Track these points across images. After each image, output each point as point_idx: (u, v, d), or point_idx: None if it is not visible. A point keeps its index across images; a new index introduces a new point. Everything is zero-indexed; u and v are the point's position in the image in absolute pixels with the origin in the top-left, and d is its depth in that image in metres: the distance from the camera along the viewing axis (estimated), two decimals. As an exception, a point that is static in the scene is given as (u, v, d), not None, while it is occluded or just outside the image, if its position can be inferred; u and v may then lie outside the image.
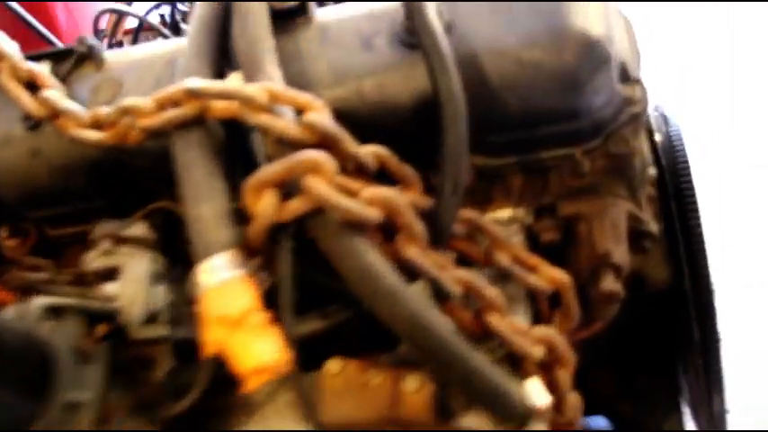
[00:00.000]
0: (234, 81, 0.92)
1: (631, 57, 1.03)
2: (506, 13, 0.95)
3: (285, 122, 0.85)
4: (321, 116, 0.85)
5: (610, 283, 1.00)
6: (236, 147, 0.95)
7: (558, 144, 1.01)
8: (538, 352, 0.89)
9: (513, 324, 0.89)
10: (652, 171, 1.14)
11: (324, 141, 0.85)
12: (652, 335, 1.29)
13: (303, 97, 0.87)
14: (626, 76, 1.01)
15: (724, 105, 4.21)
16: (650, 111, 1.21)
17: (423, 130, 0.92)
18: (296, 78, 0.96)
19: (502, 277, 0.96)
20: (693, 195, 1.19)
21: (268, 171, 0.84)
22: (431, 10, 0.92)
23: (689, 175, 1.19)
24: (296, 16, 1.02)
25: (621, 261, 1.01)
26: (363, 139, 0.88)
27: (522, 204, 1.05)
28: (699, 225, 1.17)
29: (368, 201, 0.83)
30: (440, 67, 0.88)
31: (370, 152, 0.88)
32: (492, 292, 0.87)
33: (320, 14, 1.05)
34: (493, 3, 0.97)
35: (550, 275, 0.97)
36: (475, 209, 1.02)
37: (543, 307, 0.97)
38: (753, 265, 3.13)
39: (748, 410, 2.33)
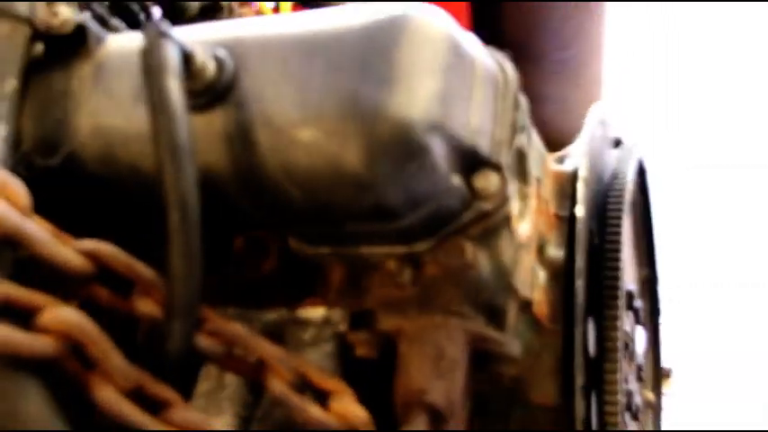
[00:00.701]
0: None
1: (491, 134, 0.77)
2: (302, 73, 0.72)
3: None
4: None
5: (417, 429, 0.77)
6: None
7: (376, 241, 0.78)
8: None
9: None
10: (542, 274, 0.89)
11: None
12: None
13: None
14: (475, 163, 0.76)
15: (660, 108, 4.17)
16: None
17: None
18: (53, 128, 0.77)
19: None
20: (615, 309, 0.94)
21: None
22: (171, 52, 0.68)
23: (616, 280, 0.94)
24: (73, 45, 0.82)
25: (440, 401, 0.78)
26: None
27: (339, 305, 0.83)
28: (615, 350, 0.93)
29: (43, 326, 0.64)
30: (165, 151, 0.66)
31: (78, 252, 0.69)
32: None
33: (112, 43, 0.84)
34: (293, 54, 0.73)
35: (343, 410, 0.76)
36: (286, 303, 0.81)
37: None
38: (696, 265, 3.02)
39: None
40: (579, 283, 0.95)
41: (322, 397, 0.77)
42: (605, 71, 2.50)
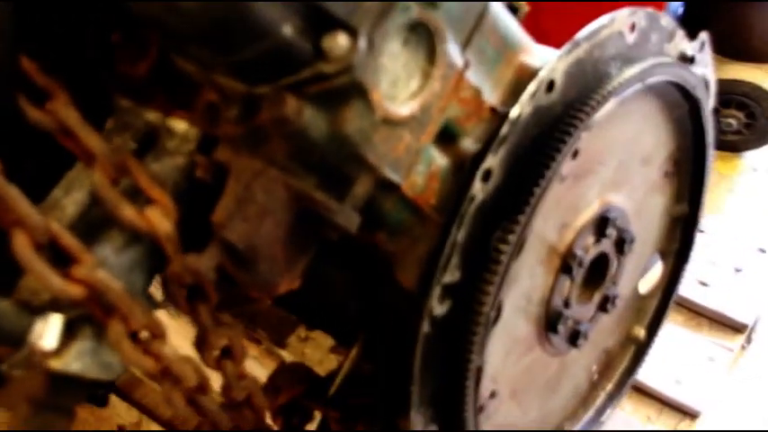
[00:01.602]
0: None
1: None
2: None
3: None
4: None
5: (203, 261, 0.80)
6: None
7: (225, 72, 0.78)
8: (74, 291, 0.78)
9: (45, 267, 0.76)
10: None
11: None
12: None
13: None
14: (324, 22, 0.73)
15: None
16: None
17: None
18: None
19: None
20: (515, 224, 0.90)
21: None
22: None
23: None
24: None
25: (237, 240, 0.80)
26: None
27: (198, 125, 0.85)
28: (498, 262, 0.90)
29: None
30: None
31: None
32: None
33: None
34: None
35: (153, 218, 0.80)
36: (164, 107, 0.86)
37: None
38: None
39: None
40: (478, 185, 0.90)
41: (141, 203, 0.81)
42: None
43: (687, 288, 2.06)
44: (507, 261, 0.94)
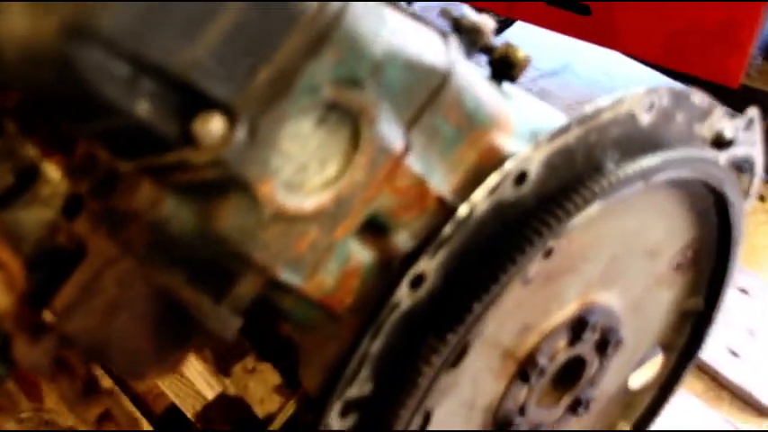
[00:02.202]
0: None
1: (243, 75, 0.57)
2: None
3: None
4: None
5: (35, 354, 0.67)
6: None
7: (91, 137, 0.64)
8: None
9: None
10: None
11: None
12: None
13: None
14: (195, 102, 0.58)
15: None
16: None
17: None
18: None
19: None
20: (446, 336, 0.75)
21: None
22: None
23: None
24: None
25: (76, 334, 0.67)
26: None
27: (72, 179, 0.71)
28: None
29: None
30: None
31: None
32: None
33: None
34: None
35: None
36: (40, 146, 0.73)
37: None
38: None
39: None
40: (404, 291, 0.74)
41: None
42: None
43: (714, 354, 1.85)
44: (435, 374, 0.78)
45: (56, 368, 0.74)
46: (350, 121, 0.66)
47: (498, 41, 0.90)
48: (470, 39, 0.88)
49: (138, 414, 0.92)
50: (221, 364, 1.37)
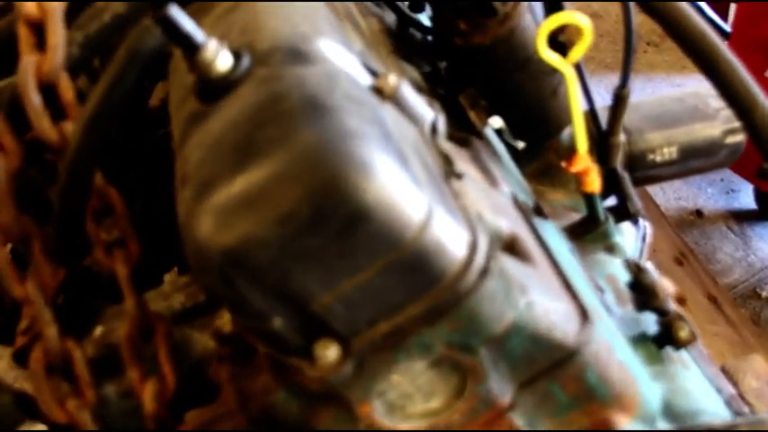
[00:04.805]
0: None
1: (363, 314, 0.67)
2: None
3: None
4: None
5: None
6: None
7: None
8: (59, 416, 0.85)
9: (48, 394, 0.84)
10: None
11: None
12: None
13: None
14: (317, 328, 0.68)
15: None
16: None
17: None
18: None
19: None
20: None
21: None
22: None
23: None
24: None
25: None
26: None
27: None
28: None
29: None
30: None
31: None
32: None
33: None
34: None
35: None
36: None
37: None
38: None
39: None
40: None
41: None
42: None
43: None
44: None
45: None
46: (459, 373, 0.73)
47: (671, 307, 0.92)
48: (644, 298, 0.90)
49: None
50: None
